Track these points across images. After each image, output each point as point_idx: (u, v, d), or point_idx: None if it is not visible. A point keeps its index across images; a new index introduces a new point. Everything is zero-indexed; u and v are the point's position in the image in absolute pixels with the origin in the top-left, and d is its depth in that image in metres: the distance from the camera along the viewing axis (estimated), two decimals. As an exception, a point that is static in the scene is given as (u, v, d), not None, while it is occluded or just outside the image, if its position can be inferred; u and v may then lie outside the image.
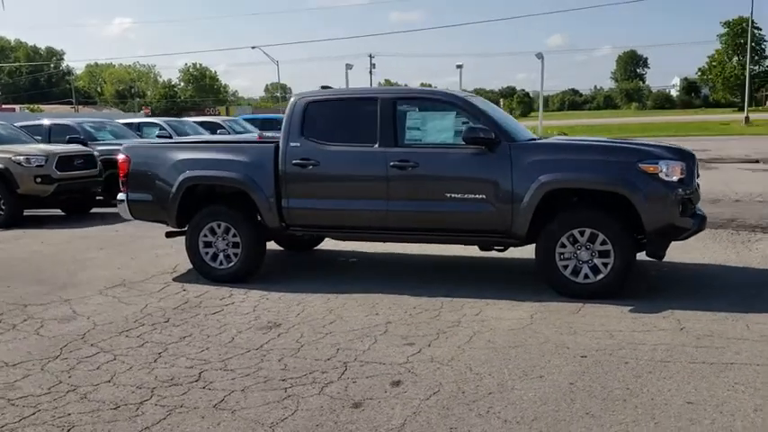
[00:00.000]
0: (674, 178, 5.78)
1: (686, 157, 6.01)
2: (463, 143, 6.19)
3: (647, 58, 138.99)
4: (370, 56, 77.33)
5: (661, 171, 5.75)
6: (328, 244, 8.56)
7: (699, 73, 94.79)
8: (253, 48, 65.52)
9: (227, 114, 58.77)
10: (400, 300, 6.08)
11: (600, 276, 5.89)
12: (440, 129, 6.40)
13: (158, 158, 7.16)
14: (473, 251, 7.17)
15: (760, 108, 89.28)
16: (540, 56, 31.05)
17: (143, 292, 6.66)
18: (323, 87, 7.33)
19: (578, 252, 5.93)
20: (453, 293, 6.21)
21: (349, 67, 40.96)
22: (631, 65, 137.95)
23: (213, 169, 6.90)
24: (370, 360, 4.63)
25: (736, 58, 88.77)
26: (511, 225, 6.04)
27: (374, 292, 6.36)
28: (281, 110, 61.35)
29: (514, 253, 6.96)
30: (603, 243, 5.85)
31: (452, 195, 6.18)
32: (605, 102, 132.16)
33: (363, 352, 4.80)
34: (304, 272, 7.43)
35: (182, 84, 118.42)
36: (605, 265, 5.87)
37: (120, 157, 7.31)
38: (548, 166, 5.95)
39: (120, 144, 8.81)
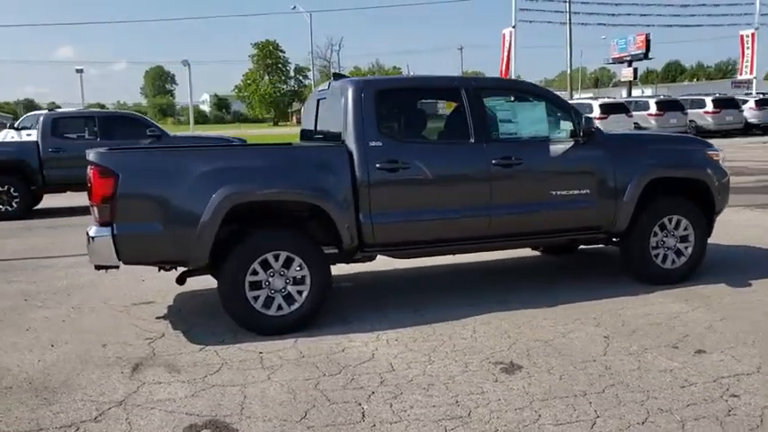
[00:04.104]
0: (723, 164, 6.42)
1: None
2: (560, 136, 5.82)
3: (174, 75, 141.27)
4: None
5: (720, 158, 6.32)
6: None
7: (236, 90, 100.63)
8: None
9: None
10: (547, 313, 5.41)
11: (683, 260, 6.16)
12: (533, 120, 5.83)
13: (170, 171, 4.88)
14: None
15: (288, 123, 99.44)
16: (186, 62, 29.20)
17: (219, 368, 4.48)
18: (336, 75, 5.97)
19: (665, 240, 6.11)
20: (547, 301, 5.72)
21: None
22: (160, 80, 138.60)
23: (273, 182, 5.03)
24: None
25: (267, 77, 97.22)
26: (614, 220, 5.88)
27: (495, 310, 5.49)
28: None
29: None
30: (685, 229, 6.13)
31: (558, 193, 5.73)
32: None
33: (708, 370, 4.17)
34: (334, 307, 5.86)
35: None
36: (686, 248, 6.16)
37: (95, 170, 4.73)
38: (643, 157, 5.98)
39: None
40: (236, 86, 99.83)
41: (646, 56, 43.06)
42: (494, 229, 5.61)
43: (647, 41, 41.96)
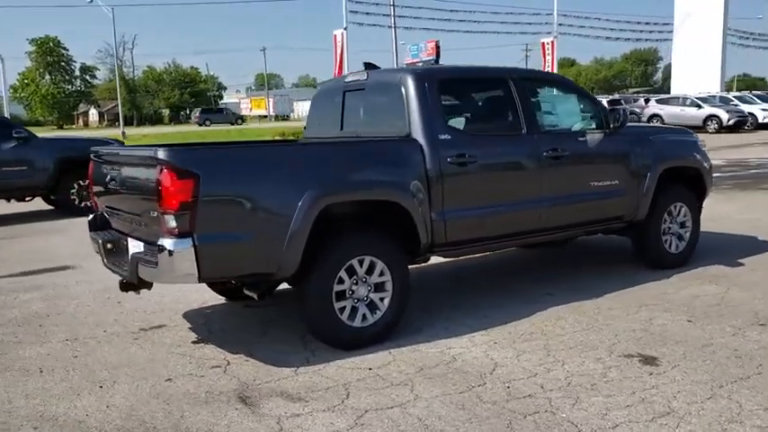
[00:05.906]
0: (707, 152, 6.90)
1: None
2: (592, 127, 5.89)
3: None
4: None
5: (705, 146, 6.79)
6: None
7: (11, 91, 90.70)
8: None
9: None
10: (606, 302, 5.44)
11: (683, 244, 6.54)
12: (570, 112, 5.87)
13: (254, 170, 4.21)
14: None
15: (74, 126, 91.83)
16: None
17: (346, 391, 3.94)
18: (367, 65, 5.58)
19: (671, 226, 6.44)
20: (591, 291, 5.78)
21: None
22: None
23: (368, 181, 4.61)
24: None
25: (48, 77, 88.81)
26: (637, 208, 6.08)
27: (553, 304, 5.42)
28: None
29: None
30: (684, 215, 6.51)
31: (595, 183, 5.80)
32: None
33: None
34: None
35: None
36: (686, 233, 6.54)
37: (170, 171, 3.93)
38: (656, 148, 6.23)
39: None
40: (12, 87, 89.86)
41: (436, 62, 45.18)
42: (546, 221, 5.54)
43: (438, 48, 43.96)
